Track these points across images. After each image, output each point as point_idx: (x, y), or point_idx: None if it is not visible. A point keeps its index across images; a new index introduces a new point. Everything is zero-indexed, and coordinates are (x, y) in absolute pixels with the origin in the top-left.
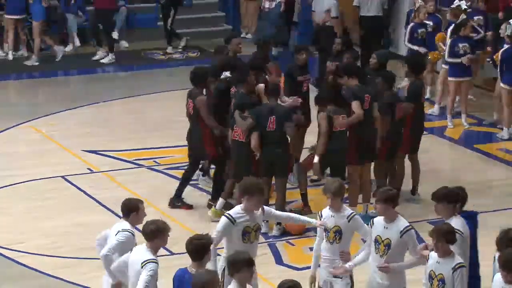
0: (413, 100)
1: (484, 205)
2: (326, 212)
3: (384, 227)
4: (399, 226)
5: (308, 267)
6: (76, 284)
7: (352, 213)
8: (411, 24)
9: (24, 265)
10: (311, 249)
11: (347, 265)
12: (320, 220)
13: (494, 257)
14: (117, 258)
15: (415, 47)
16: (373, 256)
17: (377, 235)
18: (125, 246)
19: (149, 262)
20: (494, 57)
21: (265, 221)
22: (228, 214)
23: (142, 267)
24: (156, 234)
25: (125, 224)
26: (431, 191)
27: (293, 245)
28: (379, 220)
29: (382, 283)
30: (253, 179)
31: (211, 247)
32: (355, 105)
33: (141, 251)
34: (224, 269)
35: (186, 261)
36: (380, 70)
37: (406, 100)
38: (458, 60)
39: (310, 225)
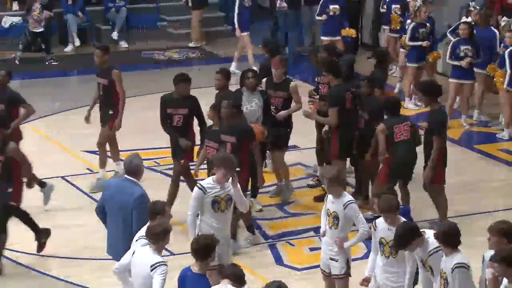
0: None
1: (484, 205)
2: (330, 196)
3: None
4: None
5: (309, 268)
6: (76, 284)
7: (349, 200)
8: (412, 23)
9: (24, 265)
10: (311, 249)
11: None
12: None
13: (483, 256)
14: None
15: (418, 43)
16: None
17: (382, 237)
18: None
19: (160, 265)
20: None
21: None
22: (200, 184)
23: (152, 270)
24: (164, 235)
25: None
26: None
27: (293, 245)
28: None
29: None
30: (225, 154)
31: (190, 218)
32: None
33: (146, 253)
34: None
35: (186, 262)
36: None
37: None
38: (457, 63)
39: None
